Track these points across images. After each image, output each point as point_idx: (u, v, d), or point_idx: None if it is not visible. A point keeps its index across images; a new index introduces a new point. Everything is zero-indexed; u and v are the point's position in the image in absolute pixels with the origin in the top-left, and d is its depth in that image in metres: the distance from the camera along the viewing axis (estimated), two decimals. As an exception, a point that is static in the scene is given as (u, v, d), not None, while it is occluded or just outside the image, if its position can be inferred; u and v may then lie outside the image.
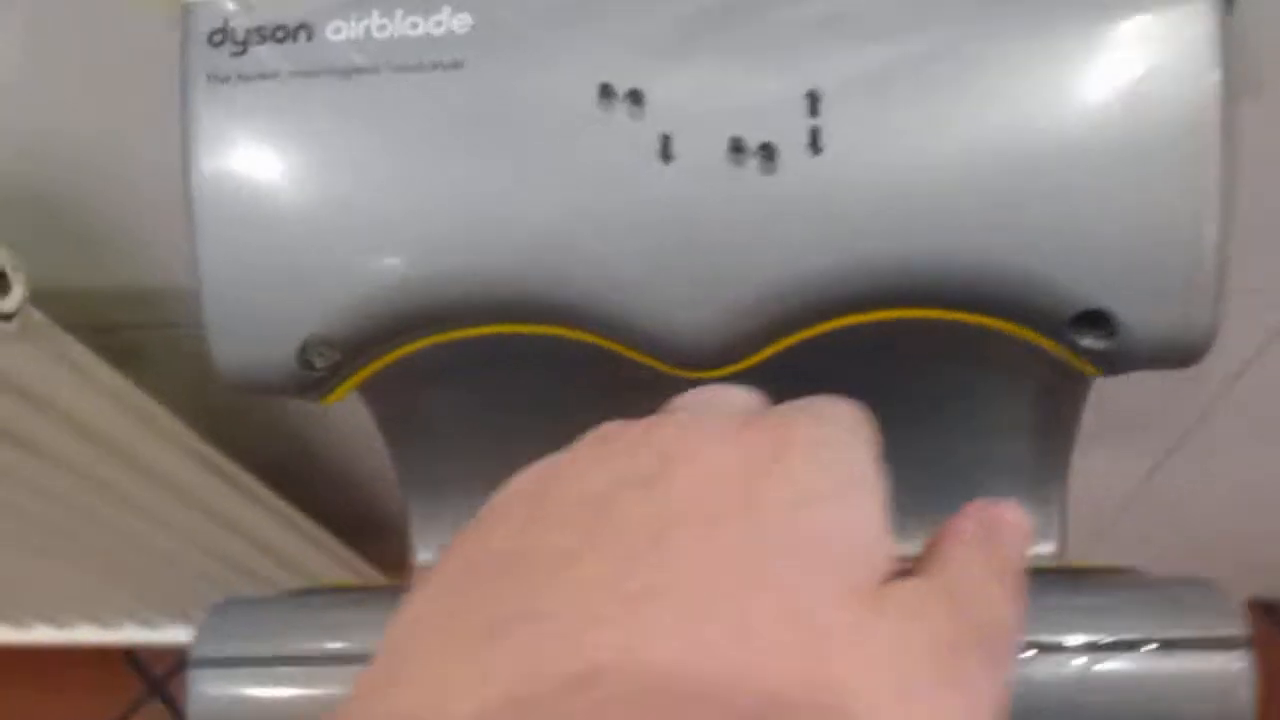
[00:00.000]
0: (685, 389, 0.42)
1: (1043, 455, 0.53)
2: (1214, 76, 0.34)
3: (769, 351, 0.39)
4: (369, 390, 0.49)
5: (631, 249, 0.37)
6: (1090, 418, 0.52)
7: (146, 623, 1.04)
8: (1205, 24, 0.35)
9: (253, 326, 0.38)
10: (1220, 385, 0.70)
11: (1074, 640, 0.34)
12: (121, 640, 1.07)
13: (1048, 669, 0.34)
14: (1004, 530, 0.26)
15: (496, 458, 0.53)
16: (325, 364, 0.39)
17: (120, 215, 0.54)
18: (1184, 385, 0.72)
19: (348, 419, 0.73)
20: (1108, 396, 0.70)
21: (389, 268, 0.37)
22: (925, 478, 0.53)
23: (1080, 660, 0.34)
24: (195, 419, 0.65)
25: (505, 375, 0.48)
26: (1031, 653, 0.34)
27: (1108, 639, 0.34)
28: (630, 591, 0.21)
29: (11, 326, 0.46)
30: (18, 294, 0.46)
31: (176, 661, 1.21)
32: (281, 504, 0.77)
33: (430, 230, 0.37)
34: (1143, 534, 0.98)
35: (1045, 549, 0.56)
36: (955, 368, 0.48)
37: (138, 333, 0.61)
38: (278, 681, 0.38)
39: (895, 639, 0.21)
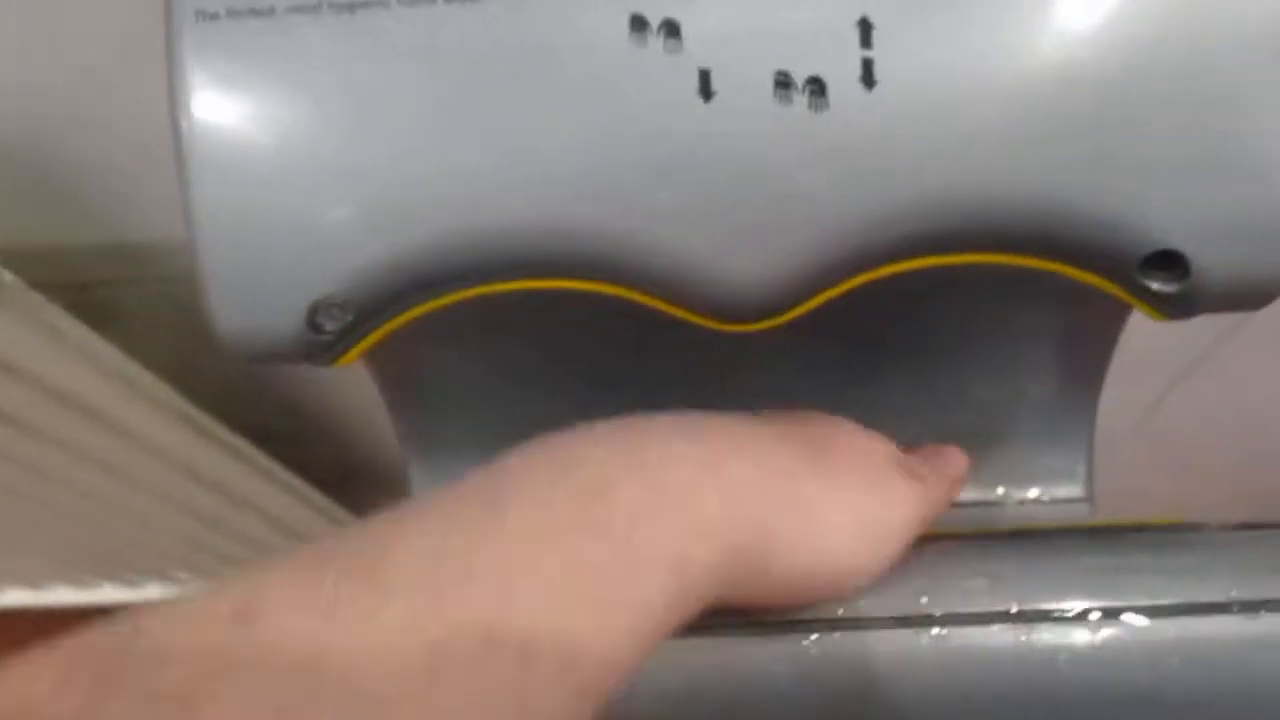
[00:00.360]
0: (702, 342, 0.40)
1: (1073, 398, 0.51)
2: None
3: (816, 302, 0.36)
4: (372, 351, 0.46)
5: (670, 195, 0.34)
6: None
7: (124, 582, 1.02)
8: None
9: (256, 289, 0.35)
10: (1227, 321, 0.69)
11: (1149, 604, 0.32)
12: (100, 600, 1.04)
13: (1123, 636, 0.32)
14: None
15: (499, 417, 0.51)
16: (337, 327, 0.36)
17: (90, 167, 0.50)
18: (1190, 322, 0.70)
19: (333, 370, 0.70)
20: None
21: (407, 221, 0.34)
22: (954, 415, 0.51)
23: (1158, 627, 0.32)
24: (175, 376, 0.61)
25: (517, 335, 0.45)
26: (1103, 619, 0.32)
27: (1190, 602, 0.32)
28: None
29: (-15, 291, 0.43)
30: (-11, 255, 0.43)
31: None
32: (265, 459, 0.74)
33: (452, 179, 0.34)
34: (1139, 463, 0.97)
35: (1072, 491, 0.55)
36: (992, 307, 0.46)
37: (113, 289, 0.58)
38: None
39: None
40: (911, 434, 0.50)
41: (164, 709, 0.19)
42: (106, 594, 1.03)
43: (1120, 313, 0.45)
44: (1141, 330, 0.72)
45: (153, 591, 1.03)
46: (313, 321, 0.36)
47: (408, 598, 0.22)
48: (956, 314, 0.47)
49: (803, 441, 0.32)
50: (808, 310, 0.36)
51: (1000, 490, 0.54)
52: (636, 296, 0.36)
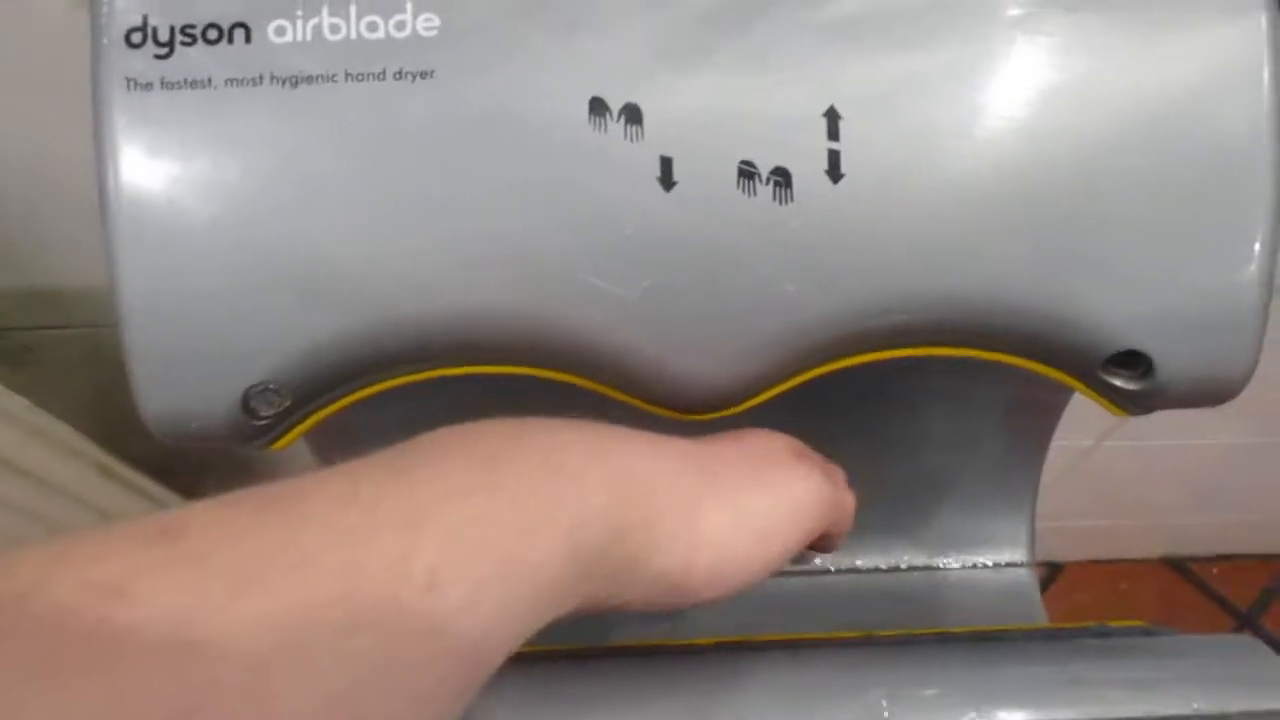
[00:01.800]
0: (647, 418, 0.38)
1: (1017, 468, 0.51)
2: (1263, 107, 0.31)
3: (774, 393, 0.35)
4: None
5: (628, 285, 0.32)
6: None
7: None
8: (1253, 54, 0.32)
9: (187, 372, 0.33)
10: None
11: (1105, 717, 0.31)
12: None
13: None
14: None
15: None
16: (273, 412, 0.34)
17: (8, 211, 0.48)
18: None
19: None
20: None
21: (349, 304, 0.33)
22: (902, 483, 0.50)
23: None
24: (92, 423, 0.59)
25: (462, 403, 0.44)
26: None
27: (1152, 716, 0.31)
28: None
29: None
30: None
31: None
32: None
33: (398, 265, 0.32)
34: (1068, 506, 0.98)
35: (1015, 555, 0.54)
36: (941, 383, 0.45)
37: (26, 334, 0.55)
38: None
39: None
40: (860, 498, 0.49)
41: (99, 595, 0.20)
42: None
43: (1065, 391, 0.45)
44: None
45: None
46: (248, 406, 0.34)
47: (318, 530, 0.23)
48: (907, 388, 0.46)
49: (693, 445, 0.31)
50: (763, 400, 0.35)
51: (946, 557, 0.53)
52: (586, 384, 0.35)
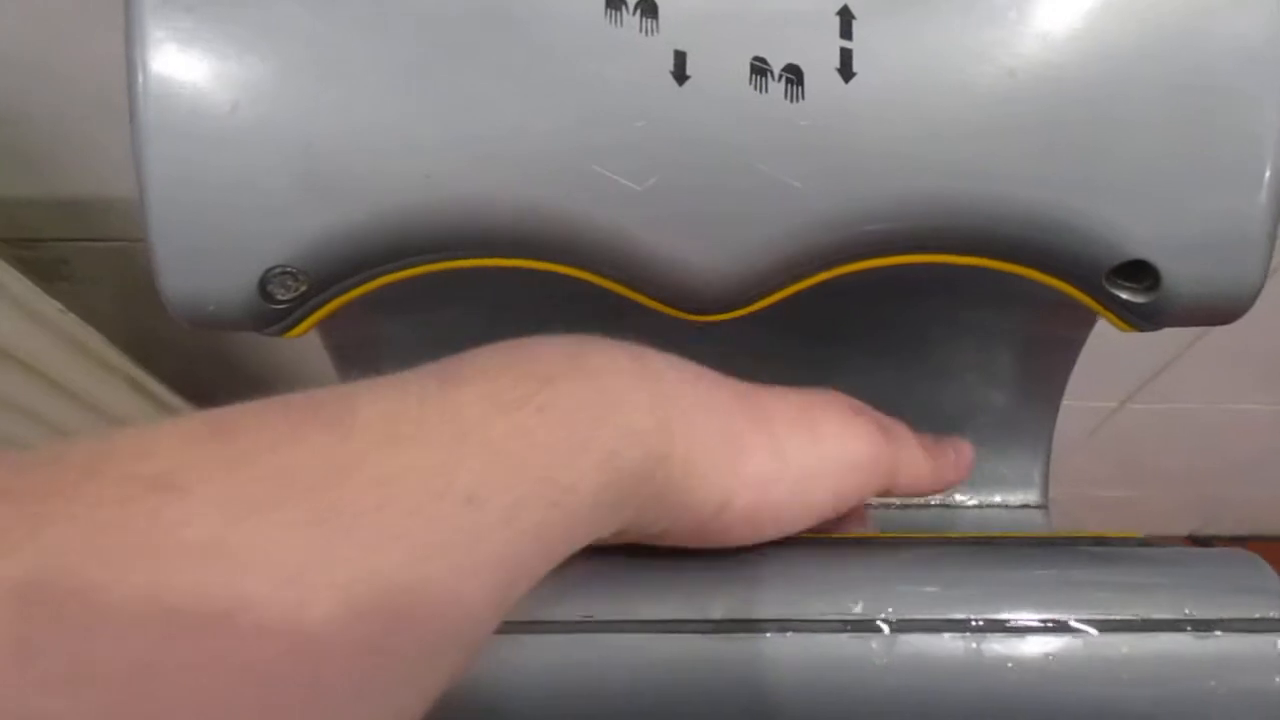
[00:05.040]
0: (666, 330, 0.39)
1: (1033, 405, 0.51)
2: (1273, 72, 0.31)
3: (783, 295, 0.35)
4: (327, 322, 0.45)
5: (638, 178, 0.33)
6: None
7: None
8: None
9: (207, 254, 0.34)
10: (1185, 338, 0.69)
11: (1103, 618, 0.31)
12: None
13: (1075, 648, 0.31)
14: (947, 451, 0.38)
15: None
16: (289, 296, 0.35)
17: (48, 121, 0.49)
18: (1151, 335, 0.70)
19: (292, 349, 0.69)
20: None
21: (365, 192, 0.33)
22: (916, 420, 0.50)
23: (1111, 642, 0.31)
24: (127, 340, 0.60)
25: (477, 315, 0.44)
26: (1055, 631, 0.31)
27: (1144, 618, 0.31)
28: None
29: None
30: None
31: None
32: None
33: (411, 151, 0.33)
34: (1090, 471, 0.97)
35: (1029, 497, 0.54)
36: (957, 312, 0.45)
37: (64, 246, 0.56)
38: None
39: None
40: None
41: (147, 487, 0.20)
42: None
43: (1084, 324, 0.45)
44: (1102, 339, 0.72)
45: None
46: (265, 290, 0.35)
47: (364, 437, 0.23)
48: (922, 319, 0.46)
49: (748, 387, 0.32)
50: (770, 304, 0.36)
51: (958, 494, 0.54)
52: (596, 280, 0.35)
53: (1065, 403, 0.81)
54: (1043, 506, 0.54)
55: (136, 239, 0.56)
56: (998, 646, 0.32)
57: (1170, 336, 0.70)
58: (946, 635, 0.32)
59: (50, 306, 0.52)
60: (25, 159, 0.50)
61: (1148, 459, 0.93)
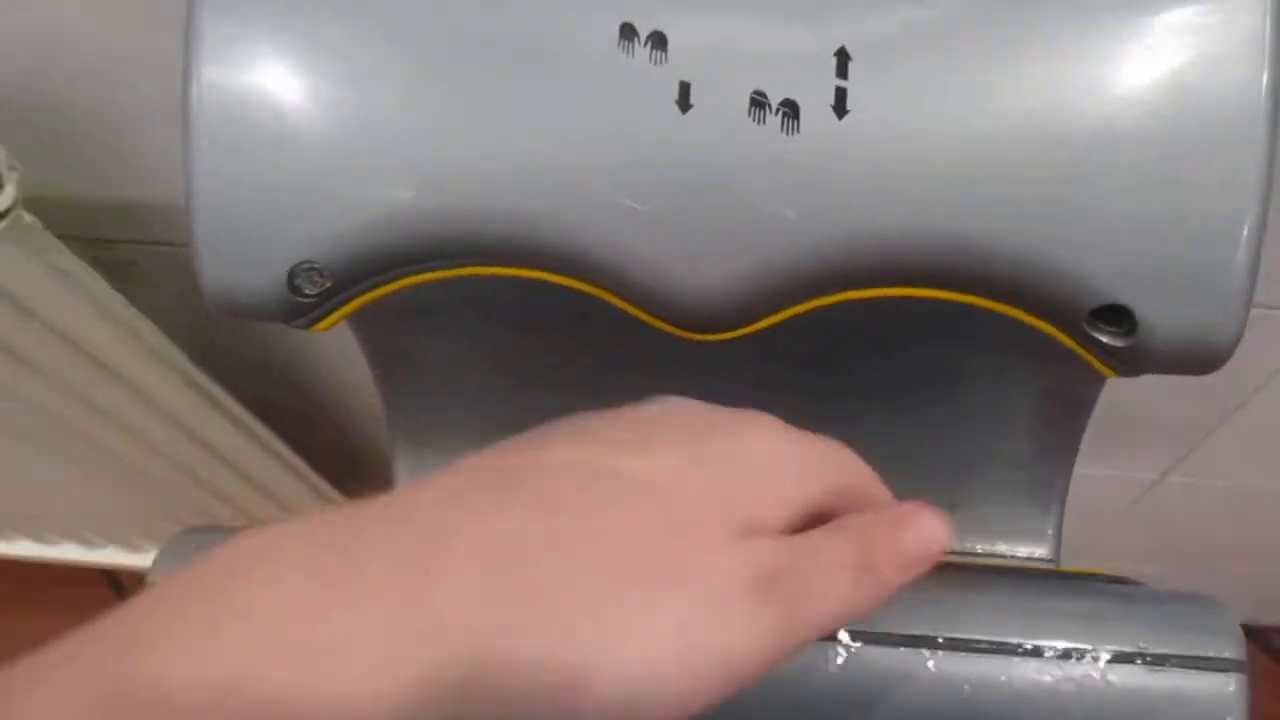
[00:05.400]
0: (680, 354, 0.41)
1: (1046, 458, 0.52)
2: (1262, 71, 0.33)
3: (774, 319, 0.37)
4: (363, 327, 0.47)
5: (638, 198, 0.35)
6: (1094, 429, 0.50)
7: (129, 545, 1.04)
8: (1255, 19, 0.33)
9: (242, 247, 0.37)
10: (1229, 404, 0.69)
11: (1061, 646, 0.32)
12: (103, 561, 1.06)
13: (1029, 673, 0.32)
14: (911, 530, 0.27)
15: (483, 413, 0.52)
16: (315, 291, 0.38)
17: (123, 129, 0.53)
18: (1190, 404, 0.71)
19: (338, 357, 0.72)
20: (1115, 405, 0.69)
21: (390, 196, 0.36)
22: (934, 467, 0.51)
23: (1066, 668, 0.32)
24: (186, 341, 0.63)
25: (502, 328, 0.47)
26: (1018, 654, 0.32)
27: (1098, 649, 0.32)
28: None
29: (3, 224, 0.45)
30: (10, 194, 0.45)
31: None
32: (266, 433, 0.76)
33: (436, 160, 0.36)
34: (1130, 549, 0.96)
35: (1039, 551, 0.55)
36: (973, 362, 0.47)
37: (134, 248, 0.60)
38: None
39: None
40: (889, 483, 0.51)
41: None
42: (110, 555, 1.05)
43: (1094, 380, 0.46)
44: (1145, 406, 0.73)
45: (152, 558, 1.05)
46: (293, 284, 0.37)
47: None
48: (939, 368, 0.48)
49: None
50: (764, 328, 0.37)
51: (968, 543, 0.54)
52: (599, 293, 0.37)
53: (1105, 473, 0.81)
54: (1054, 561, 0.55)
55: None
56: (955, 665, 0.33)
57: (1208, 406, 0.70)
58: (904, 650, 0.33)
59: (117, 301, 0.56)
60: (100, 161, 0.54)
61: (1191, 536, 0.92)
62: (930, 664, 0.33)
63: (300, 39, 0.35)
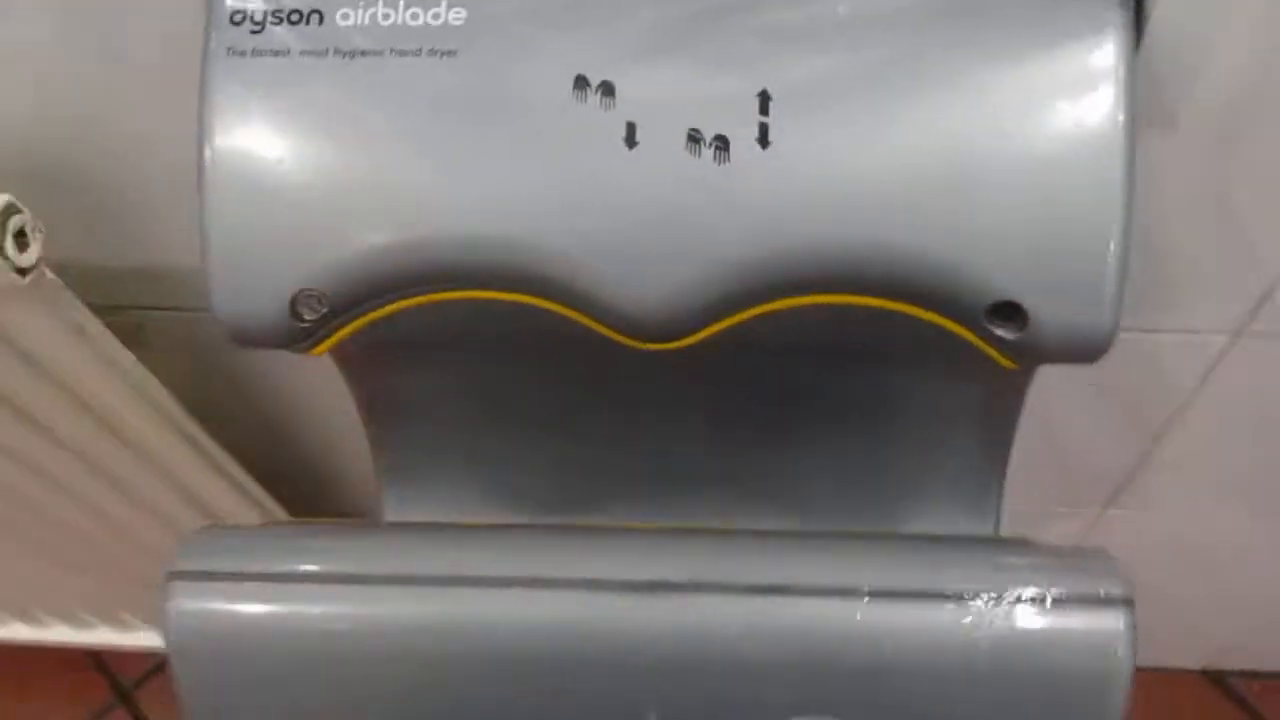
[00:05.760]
0: (640, 382, 0.46)
1: (979, 471, 0.57)
2: (1120, 108, 0.39)
3: (715, 329, 0.43)
4: (352, 367, 0.53)
5: (596, 224, 0.41)
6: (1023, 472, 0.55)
7: (120, 624, 1.06)
8: (1111, 58, 0.39)
9: (251, 278, 0.42)
10: (1152, 434, 0.74)
11: (959, 590, 0.37)
12: (93, 642, 1.09)
13: (934, 618, 0.37)
14: None
15: (467, 454, 0.57)
16: (314, 316, 0.43)
17: (135, 196, 0.58)
18: (1114, 439, 0.76)
19: (341, 422, 0.77)
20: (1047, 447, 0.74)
21: (376, 230, 0.42)
22: (870, 494, 0.57)
23: (961, 610, 0.37)
24: (191, 403, 0.68)
25: (479, 359, 0.52)
26: (923, 601, 0.37)
27: (1001, 592, 0.37)
28: None
29: (26, 281, 0.50)
30: (35, 251, 0.50)
31: (146, 667, 1.23)
32: (273, 503, 0.81)
33: (415, 199, 0.41)
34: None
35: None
36: (893, 380, 0.52)
37: (141, 314, 0.65)
38: (253, 597, 0.41)
39: None
40: (829, 504, 0.56)
41: None
42: (101, 636, 1.08)
43: (1011, 388, 0.51)
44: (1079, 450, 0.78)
45: (144, 637, 1.08)
46: (294, 309, 0.43)
47: None
48: (868, 390, 0.53)
49: None
50: (706, 337, 0.43)
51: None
52: (564, 310, 0.43)
53: (1053, 509, 0.86)
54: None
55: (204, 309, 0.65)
56: (876, 612, 0.38)
57: (1130, 437, 0.75)
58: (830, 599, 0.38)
59: (128, 359, 0.61)
60: (110, 226, 0.59)
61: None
62: (857, 614, 0.38)
63: (299, 99, 0.41)
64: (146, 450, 0.68)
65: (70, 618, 1.05)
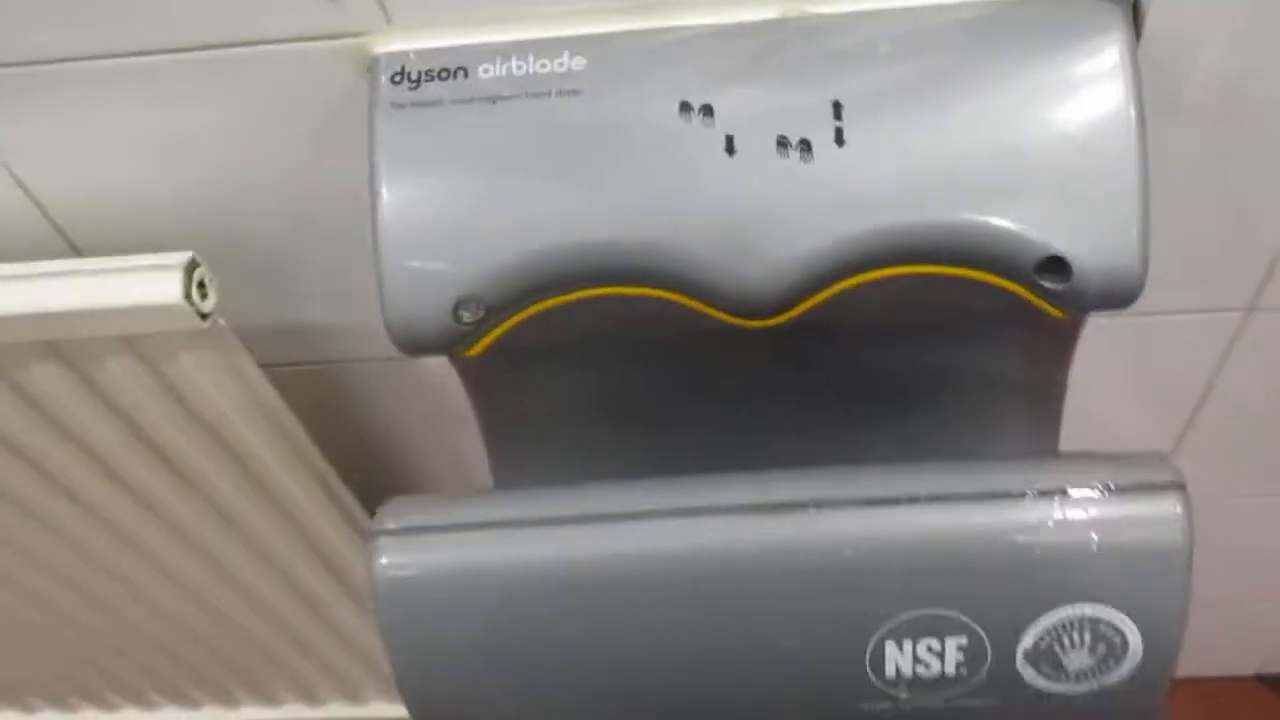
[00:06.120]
0: (746, 360, 0.54)
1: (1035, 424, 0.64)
2: (1129, 95, 0.48)
3: (809, 304, 0.51)
4: (481, 384, 0.61)
5: (706, 223, 0.49)
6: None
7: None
8: (1117, 52, 0.48)
9: (418, 289, 0.51)
10: (1184, 420, 0.81)
11: (1038, 488, 0.45)
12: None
13: (1019, 514, 0.45)
14: None
15: (572, 453, 0.65)
16: (472, 319, 0.51)
17: (293, 256, 0.67)
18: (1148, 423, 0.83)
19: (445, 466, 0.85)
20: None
21: (522, 241, 0.50)
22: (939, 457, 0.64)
23: (1039, 506, 0.45)
24: (329, 453, 0.76)
25: (596, 374, 0.60)
26: (1007, 500, 0.45)
27: (1062, 487, 0.45)
28: None
29: (207, 325, 0.59)
30: (213, 299, 0.59)
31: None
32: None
33: (554, 215, 0.50)
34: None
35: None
36: (961, 354, 0.60)
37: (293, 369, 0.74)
38: (446, 546, 0.49)
39: None
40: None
41: None
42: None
43: (1058, 343, 0.59)
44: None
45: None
46: (456, 314, 0.51)
47: None
48: (942, 371, 0.61)
49: None
50: (801, 312, 0.51)
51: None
52: (681, 299, 0.51)
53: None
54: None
55: (347, 360, 0.74)
56: (969, 513, 0.45)
57: (1163, 422, 0.82)
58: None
59: (276, 401, 0.69)
60: (270, 285, 0.68)
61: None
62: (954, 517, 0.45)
63: (452, 139, 0.50)
64: (276, 484, 0.76)
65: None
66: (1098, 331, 0.74)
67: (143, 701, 1.15)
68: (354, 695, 1.13)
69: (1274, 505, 0.92)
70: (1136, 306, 0.69)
